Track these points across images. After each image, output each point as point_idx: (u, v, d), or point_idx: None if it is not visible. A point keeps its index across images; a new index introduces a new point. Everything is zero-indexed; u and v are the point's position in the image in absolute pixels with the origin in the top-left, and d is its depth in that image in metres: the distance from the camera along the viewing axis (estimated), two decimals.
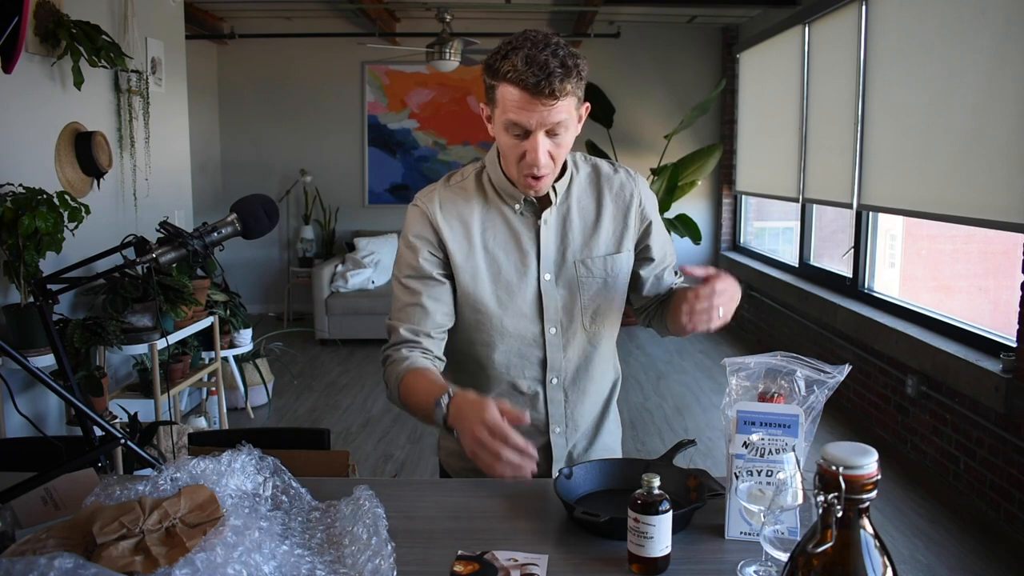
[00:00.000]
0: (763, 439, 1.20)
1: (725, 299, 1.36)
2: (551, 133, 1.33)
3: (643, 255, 1.56)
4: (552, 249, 1.48)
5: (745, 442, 1.20)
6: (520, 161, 1.36)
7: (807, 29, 5.02)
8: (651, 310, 1.63)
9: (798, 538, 0.87)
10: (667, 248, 1.59)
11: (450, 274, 1.48)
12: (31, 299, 1.71)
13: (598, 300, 1.51)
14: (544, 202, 1.47)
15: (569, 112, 1.33)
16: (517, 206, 1.46)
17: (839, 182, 4.50)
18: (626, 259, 1.52)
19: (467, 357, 1.56)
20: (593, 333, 1.52)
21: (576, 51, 1.32)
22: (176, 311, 3.24)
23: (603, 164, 1.55)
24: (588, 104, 1.40)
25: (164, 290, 3.21)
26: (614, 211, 1.51)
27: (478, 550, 1.18)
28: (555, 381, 1.52)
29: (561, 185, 1.47)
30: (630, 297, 1.60)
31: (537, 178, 1.38)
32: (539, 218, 1.47)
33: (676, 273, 1.64)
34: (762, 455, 1.19)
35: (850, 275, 4.50)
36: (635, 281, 1.58)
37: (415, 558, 1.16)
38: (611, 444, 1.64)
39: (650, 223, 1.54)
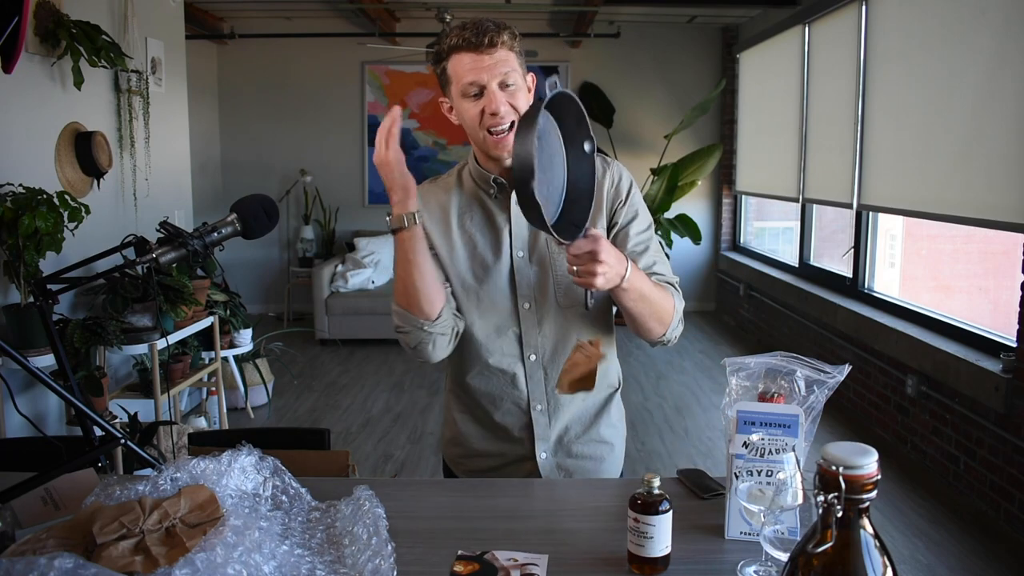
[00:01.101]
0: (763, 439, 1.20)
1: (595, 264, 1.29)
2: (503, 85, 1.42)
3: (612, 238, 1.55)
4: (524, 227, 1.53)
5: (745, 442, 1.20)
6: (482, 120, 1.43)
7: (807, 29, 5.02)
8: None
9: (798, 538, 0.87)
10: (641, 238, 1.56)
11: (434, 253, 1.56)
12: (31, 299, 1.71)
13: (570, 276, 1.51)
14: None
15: (514, 67, 1.43)
16: (491, 190, 1.53)
17: (839, 182, 4.50)
18: None
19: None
20: (567, 309, 1.55)
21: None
22: (176, 311, 3.24)
23: None
24: (533, 75, 1.51)
25: (164, 290, 3.21)
26: None
27: (478, 550, 1.18)
28: (533, 358, 1.55)
29: None
30: None
31: (503, 131, 1.44)
32: (511, 199, 1.53)
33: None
34: (762, 455, 1.19)
35: (850, 275, 4.50)
36: None
37: (415, 558, 1.17)
38: (609, 437, 1.64)
39: (621, 204, 1.54)
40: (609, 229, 1.55)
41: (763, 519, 1.07)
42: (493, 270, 1.53)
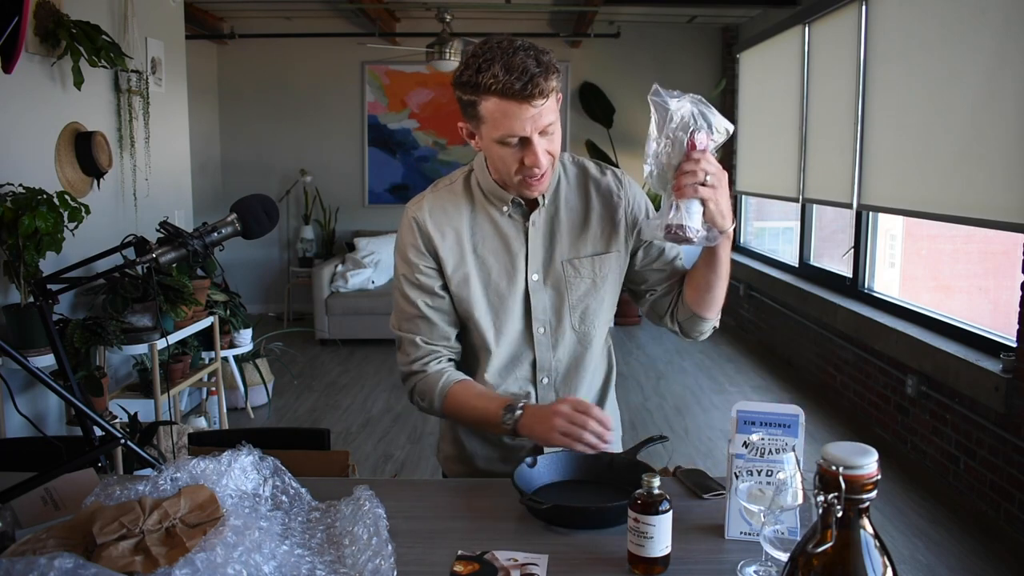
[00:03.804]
0: (763, 439, 1.20)
1: (714, 170, 1.31)
2: (544, 133, 1.33)
3: (647, 249, 1.54)
4: (540, 250, 1.48)
5: (745, 442, 1.21)
6: (519, 168, 1.36)
7: (807, 29, 5.02)
8: (672, 298, 1.58)
9: (798, 538, 0.87)
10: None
11: (447, 284, 1.50)
12: (31, 299, 1.71)
13: (587, 300, 1.51)
14: (532, 205, 1.47)
15: (554, 109, 1.33)
16: (505, 208, 1.47)
17: (839, 182, 4.50)
18: (615, 259, 1.52)
19: (463, 356, 1.58)
20: (583, 333, 1.52)
21: (542, 47, 1.32)
22: (176, 311, 3.24)
23: (590, 165, 1.54)
24: (560, 93, 1.38)
25: (164, 290, 3.21)
26: (601, 212, 1.50)
27: (478, 550, 1.18)
28: (545, 381, 1.53)
29: (548, 187, 1.46)
30: (644, 296, 1.58)
31: (540, 178, 1.38)
32: (527, 220, 1.47)
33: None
34: (762, 455, 1.19)
35: (850, 275, 4.50)
36: (646, 275, 1.55)
37: (415, 558, 1.17)
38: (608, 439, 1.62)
39: (645, 218, 1.52)
40: (637, 246, 1.53)
41: (763, 519, 1.07)
42: (508, 297, 1.48)
